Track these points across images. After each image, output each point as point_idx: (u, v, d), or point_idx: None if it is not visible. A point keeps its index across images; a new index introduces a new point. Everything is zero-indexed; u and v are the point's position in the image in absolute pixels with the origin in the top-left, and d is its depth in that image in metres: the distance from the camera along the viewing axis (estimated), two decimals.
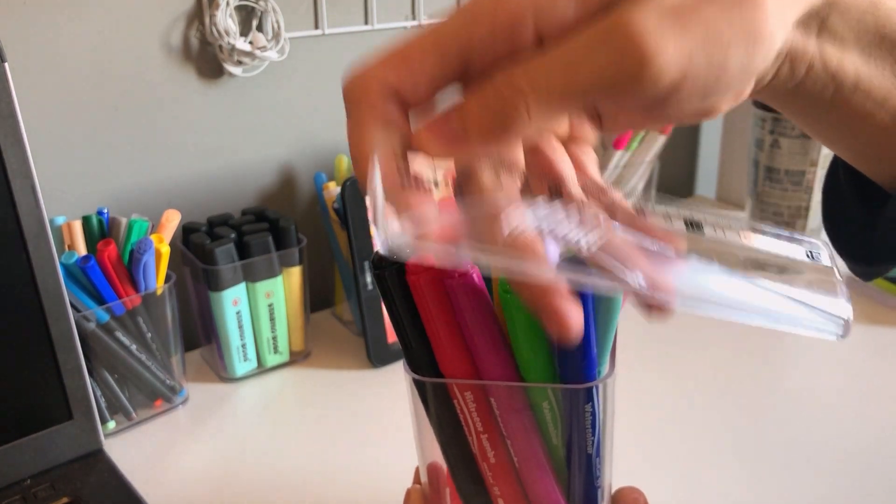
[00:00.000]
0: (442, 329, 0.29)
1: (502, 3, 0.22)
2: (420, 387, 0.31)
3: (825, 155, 0.78)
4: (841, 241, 0.34)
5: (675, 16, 0.20)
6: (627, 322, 0.78)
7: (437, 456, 0.33)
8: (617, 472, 0.35)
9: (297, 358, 0.69)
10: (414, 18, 0.78)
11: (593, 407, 0.28)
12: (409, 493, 0.34)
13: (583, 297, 0.26)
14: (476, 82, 0.23)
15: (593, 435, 0.29)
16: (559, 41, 0.21)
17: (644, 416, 0.59)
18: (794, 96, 0.28)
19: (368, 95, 0.24)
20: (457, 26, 0.23)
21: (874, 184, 0.31)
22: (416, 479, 0.37)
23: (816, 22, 0.26)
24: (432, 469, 0.33)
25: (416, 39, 0.23)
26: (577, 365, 0.28)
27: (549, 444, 0.30)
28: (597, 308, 0.27)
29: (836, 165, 0.35)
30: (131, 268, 0.57)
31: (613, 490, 0.34)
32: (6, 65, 0.46)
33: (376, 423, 0.60)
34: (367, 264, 0.66)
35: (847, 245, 0.34)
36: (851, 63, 0.27)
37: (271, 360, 0.68)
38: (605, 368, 0.29)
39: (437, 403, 0.31)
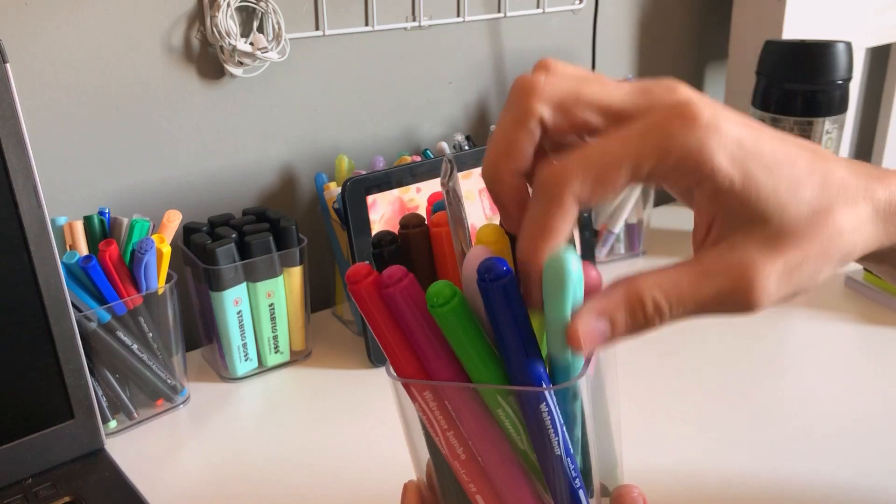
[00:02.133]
0: (389, 334, 0.29)
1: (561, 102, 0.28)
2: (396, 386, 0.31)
3: None
4: None
5: (788, 274, 0.26)
6: None
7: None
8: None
9: (298, 357, 0.70)
10: (414, 20, 0.79)
11: (549, 407, 0.28)
12: (406, 487, 0.35)
13: (509, 299, 0.26)
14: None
15: (556, 436, 0.28)
16: (700, 253, 0.28)
17: (643, 414, 0.59)
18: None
19: (562, 200, 0.26)
20: (650, 151, 0.26)
21: None
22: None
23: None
24: (429, 464, 0.34)
25: (616, 155, 0.26)
26: (521, 368, 0.28)
27: (517, 448, 0.30)
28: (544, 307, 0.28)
29: None
30: (133, 268, 0.58)
31: (611, 489, 0.34)
32: (8, 65, 0.46)
33: (376, 422, 0.61)
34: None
35: None
36: None
37: (272, 359, 0.68)
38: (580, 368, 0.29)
39: (406, 403, 0.31)
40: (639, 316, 0.27)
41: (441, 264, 0.31)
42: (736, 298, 0.26)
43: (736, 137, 0.26)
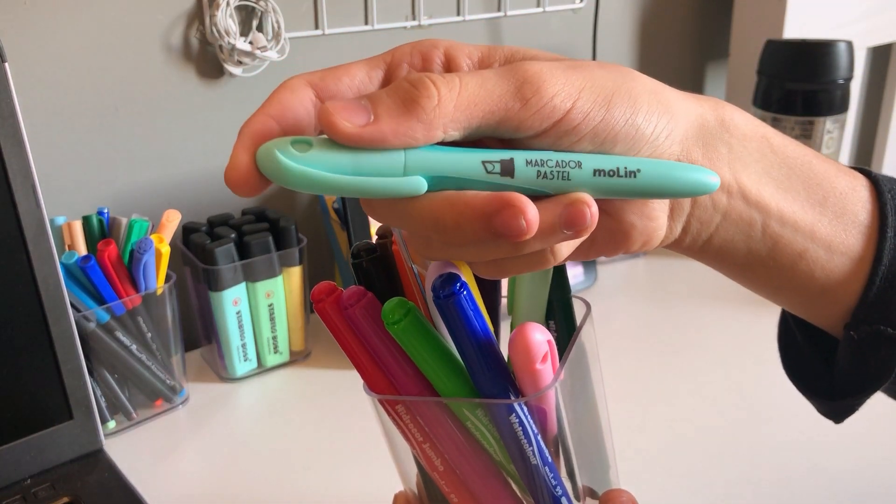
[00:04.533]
0: (355, 352, 0.29)
1: (420, 43, 0.28)
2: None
3: (825, 154, 0.78)
4: (802, 382, 0.35)
5: (565, 67, 0.25)
6: (626, 323, 0.78)
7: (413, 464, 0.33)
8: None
9: (297, 358, 0.69)
10: (414, 18, 0.78)
11: (518, 418, 0.28)
12: (396, 498, 0.34)
13: (465, 313, 0.26)
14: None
15: (531, 445, 0.28)
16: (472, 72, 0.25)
17: (639, 418, 0.59)
18: (729, 230, 0.29)
19: (288, 83, 0.27)
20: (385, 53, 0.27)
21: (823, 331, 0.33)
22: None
23: (723, 147, 0.28)
24: (418, 475, 0.34)
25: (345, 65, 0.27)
26: (486, 381, 0.27)
27: (494, 459, 0.30)
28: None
29: (785, 316, 0.36)
30: (131, 268, 0.57)
31: (601, 493, 0.34)
32: (7, 65, 0.46)
33: (376, 422, 0.60)
34: None
35: (808, 385, 0.35)
36: (770, 195, 0.29)
37: (271, 359, 0.68)
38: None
39: (386, 417, 0.31)
40: (421, 92, 0.23)
41: (422, 274, 0.31)
42: (523, 91, 0.24)
43: None
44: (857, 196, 0.30)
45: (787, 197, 0.29)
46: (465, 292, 0.26)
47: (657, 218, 0.28)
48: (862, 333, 0.30)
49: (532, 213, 0.23)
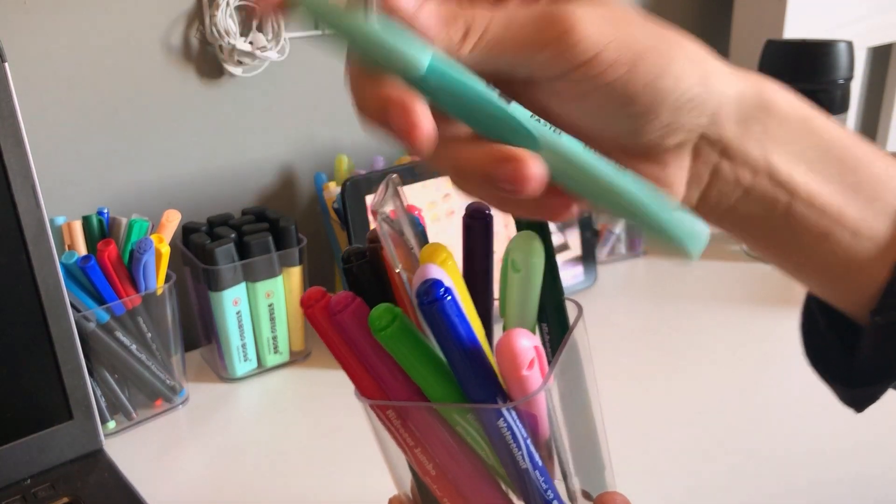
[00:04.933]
0: (346, 357, 0.29)
1: None
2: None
3: None
4: (823, 368, 0.35)
5: (606, 18, 0.25)
6: (626, 323, 0.78)
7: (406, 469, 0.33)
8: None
9: (297, 358, 0.69)
10: None
11: (507, 423, 0.28)
12: (390, 502, 0.34)
13: (449, 319, 0.26)
14: None
15: (520, 449, 0.28)
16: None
17: (638, 418, 0.59)
18: (750, 205, 0.29)
19: None
20: None
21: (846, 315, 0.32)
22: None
23: (758, 125, 0.28)
24: (412, 481, 0.34)
25: None
26: (473, 386, 0.27)
27: (486, 463, 0.30)
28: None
29: (809, 300, 0.35)
30: (131, 268, 0.57)
31: (595, 495, 0.34)
32: (6, 65, 0.46)
33: (369, 427, 0.60)
34: None
35: (829, 371, 0.34)
36: (801, 176, 0.28)
37: (271, 359, 0.68)
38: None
39: (378, 422, 0.31)
40: (450, 26, 0.24)
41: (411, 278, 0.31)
42: (549, 21, 0.24)
43: None
44: (894, 183, 0.29)
45: (818, 178, 0.28)
46: (449, 297, 0.26)
47: (673, 184, 0.27)
48: (887, 319, 0.30)
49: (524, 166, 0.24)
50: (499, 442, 0.28)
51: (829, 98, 0.77)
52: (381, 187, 0.29)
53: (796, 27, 0.89)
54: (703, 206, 0.29)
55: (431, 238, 0.31)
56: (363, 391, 0.30)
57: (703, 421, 0.59)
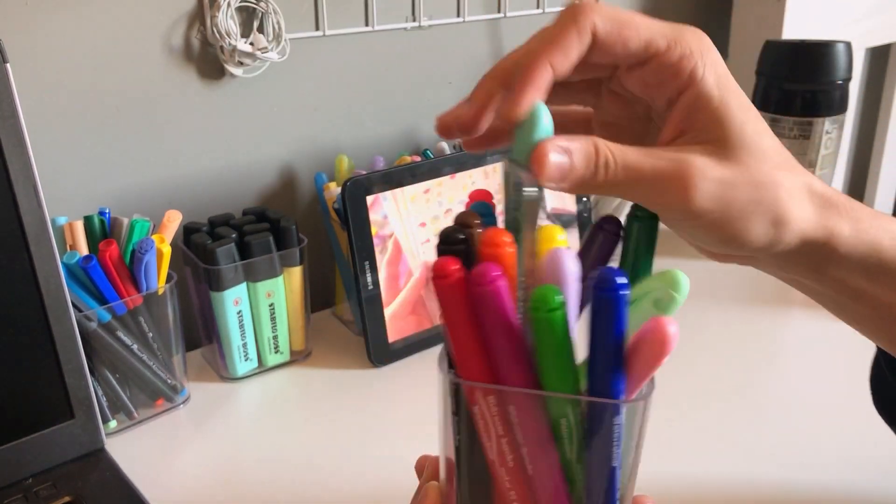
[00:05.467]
0: (467, 334, 0.28)
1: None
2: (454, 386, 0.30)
3: (823, 156, 0.78)
4: (889, 416, 0.38)
5: (716, 178, 0.29)
6: None
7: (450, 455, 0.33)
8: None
9: (298, 357, 0.70)
10: (414, 20, 0.79)
11: (620, 421, 0.28)
12: (427, 490, 0.34)
13: (621, 311, 0.26)
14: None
15: (618, 448, 0.28)
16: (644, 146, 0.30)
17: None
18: (813, 293, 0.34)
19: (581, 21, 0.29)
20: (667, 33, 0.30)
21: None
22: (422, 472, 0.37)
23: (818, 256, 0.32)
24: (451, 466, 0.33)
25: (640, 21, 0.30)
26: (610, 380, 0.28)
27: (563, 458, 0.30)
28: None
29: (878, 354, 0.38)
30: (133, 268, 0.58)
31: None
32: (8, 65, 0.47)
33: (376, 422, 0.61)
34: (366, 264, 0.66)
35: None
36: (865, 286, 0.33)
37: (272, 359, 0.68)
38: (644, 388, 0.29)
39: (462, 404, 0.30)
40: (590, 163, 0.28)
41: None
42: (672, 184, 0.29)
43: (724, 70, 0.30)
44: None
45: (883, 281, 0.33)
46: (624, 291, 0.26)
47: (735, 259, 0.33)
48: None
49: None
50: (604, 438, 0.28)
51: (828, 98, 0.77)
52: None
53: (795, 28, 0.90)
54: (764, 270, 0.34)
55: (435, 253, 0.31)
56: (467, 372, 0.29)
57: (702, 421, 0.59)
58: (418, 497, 0.34)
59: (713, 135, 0.30)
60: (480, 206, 0.32)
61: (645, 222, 0.31)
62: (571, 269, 0.27)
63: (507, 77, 0.30)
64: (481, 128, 0.31)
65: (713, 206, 0.29)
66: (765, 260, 0.33)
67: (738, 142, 0.30)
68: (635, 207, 0.31)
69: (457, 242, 0.30)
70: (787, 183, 0.30)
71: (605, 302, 0.26)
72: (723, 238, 0.30)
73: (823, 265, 0.32)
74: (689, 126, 0.30)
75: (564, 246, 0.29)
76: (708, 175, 0.29)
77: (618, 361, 0.27)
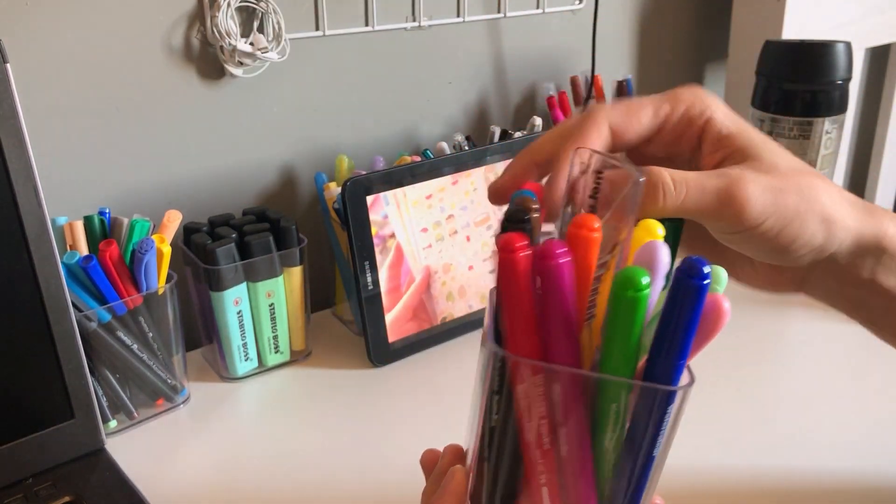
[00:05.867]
0: (525, 309, 0.28)
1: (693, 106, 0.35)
2: (499, 364, 0.30)
3: (823, 156, 0.78)
4: None
5: (767, 186, 0.32)
6: None
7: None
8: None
9: (298, 357, 0.70)
10: (414, 20, 0.79)
11: (672, 409, 0.28)
12: (453, 473, 0.34)
13: (701, 301, 0.27)
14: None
15: (662, 437, 0.29)
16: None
17: None
18: (853, 307, 0.37)
19: (595, 120, 0.34)
20: (668, 99, 0.35)
21: None
22: (429, 466, 0.36)
23: (871, 258, 0.34)
24: (479, 448, 0.33)
25: (644, 101, 0.35)
26: (674, 367, 0.28)
27: (599, 447, 0.30)
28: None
29: None
30: (133, 268, 0.58)
31: None
32: (8, 66, 0.47)
33: (376, 422, 0.61)
34: (366, 264, 0.66)
35: None
36: None
37: (272, 359, 0.68)
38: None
39: (506, 383, 0.30)
40: (655, 190, 0.32)
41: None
42: (729, 196, 0.32)
43: (725, 105, 0.35)
44: None
45: None
46: (709, 282, 0.27)
47: (790, 282, 0.37)
48: None
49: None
50: (652, 426, 0.29)
51: (828, 98, 0.77)
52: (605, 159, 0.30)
53: (795, 28, 0.90)
54: (813, 293, 0.37)
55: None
56: (517, 348, 0.29)
57: (703, 421, 0.59)
58: (440, 481, 0.34)
59: (745, 156, 0.33)
60: (528, 193, 0.32)
61: (670, 223, 0.32)
62: (664, 261, 0.28)
63: (538, 155, 0.35)
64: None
65: (768, 210, 0.32)
66: (820, 276, 0.36)
67: (769, 158, 0.33)
68: None
69: (522, 221, 0.30)
70: (824, 189, 0.33)
71: (689, 290, 0.27)
72: (782, 243, 0.33)
73: (877, 269, 0.35)
74: (720, 159, 0.34)
75: (660, 240, 0.29)
76: (758, 182, 0.32)
77: (685, 350, 0.28)
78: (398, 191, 0.67)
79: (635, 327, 0.28)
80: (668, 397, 0.28)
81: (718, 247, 0.35)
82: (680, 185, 0.32)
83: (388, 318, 0.68)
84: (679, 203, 0.32)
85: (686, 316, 0.27)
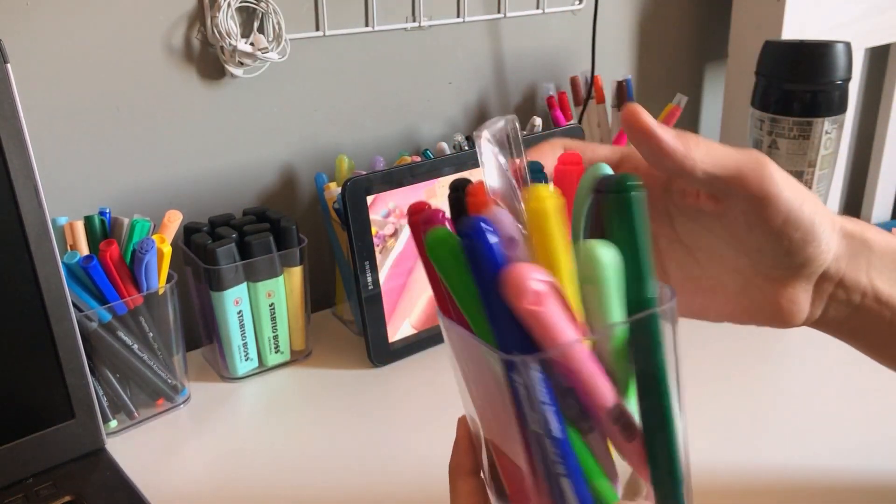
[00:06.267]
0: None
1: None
2: None
3: (823, 156, 0.78)
4: None
5: (786, 178, 0.33)
6: None
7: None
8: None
9: (298, 357, 0.70)
10: (414, 20, 0.79)
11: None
12: (460, 422, 0.36)
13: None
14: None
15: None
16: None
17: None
18: (861, 321, 0.36)
19: (548, 142, 0.36)
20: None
21: None
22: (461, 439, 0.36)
23: (863, 259, 0.35)
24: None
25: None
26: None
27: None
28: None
29: None
30: (133, 268, 0.58)
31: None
32: (9, 65, 0.47)
33: (376, 422, 0.61)
34: (366, 264, 0.66)
35: None
36: None
37: (272, 359, 0.68)
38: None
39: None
40: (684, 140, 0.32)
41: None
42: (752, 170, 0.32)
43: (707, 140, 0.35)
44: None
45: None
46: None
47: (800, 302, 0.35)
48: None
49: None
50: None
51: (828, 99, 0.77)
52: (503, 124, 0.29)
53: (795, 28, 0.90)
54: (823, 321, 0.36)
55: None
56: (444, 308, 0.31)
57: (703, 421, 0.59)
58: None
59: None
60: (533, 164, 0.33)
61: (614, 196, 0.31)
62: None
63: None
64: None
65: (788, 193, 0.32)
66: (820, 296, 0.36)
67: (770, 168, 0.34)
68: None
69: (457, 190, 0.31)
70: (819, 209, 0.34)
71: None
72: (803, 233, 0.33)
73: (872, 273, 0.35)
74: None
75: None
76: (777, 168, 0.33)
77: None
78: (400, 196, 0.67)
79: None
80: (509, 366, 0.27)
81: (696, 271, 0.36)
82: (706, 155, 0.32)
83: (414, 313, 0.69)
84: (705, 153, 0.32)
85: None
